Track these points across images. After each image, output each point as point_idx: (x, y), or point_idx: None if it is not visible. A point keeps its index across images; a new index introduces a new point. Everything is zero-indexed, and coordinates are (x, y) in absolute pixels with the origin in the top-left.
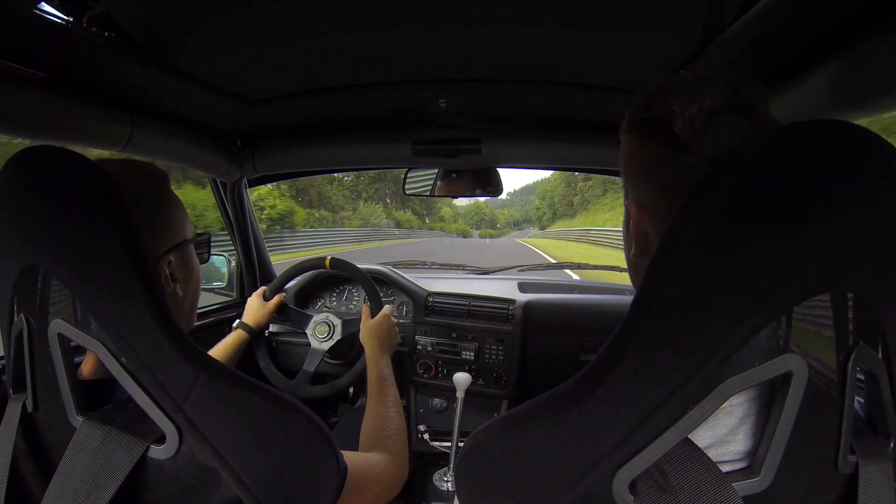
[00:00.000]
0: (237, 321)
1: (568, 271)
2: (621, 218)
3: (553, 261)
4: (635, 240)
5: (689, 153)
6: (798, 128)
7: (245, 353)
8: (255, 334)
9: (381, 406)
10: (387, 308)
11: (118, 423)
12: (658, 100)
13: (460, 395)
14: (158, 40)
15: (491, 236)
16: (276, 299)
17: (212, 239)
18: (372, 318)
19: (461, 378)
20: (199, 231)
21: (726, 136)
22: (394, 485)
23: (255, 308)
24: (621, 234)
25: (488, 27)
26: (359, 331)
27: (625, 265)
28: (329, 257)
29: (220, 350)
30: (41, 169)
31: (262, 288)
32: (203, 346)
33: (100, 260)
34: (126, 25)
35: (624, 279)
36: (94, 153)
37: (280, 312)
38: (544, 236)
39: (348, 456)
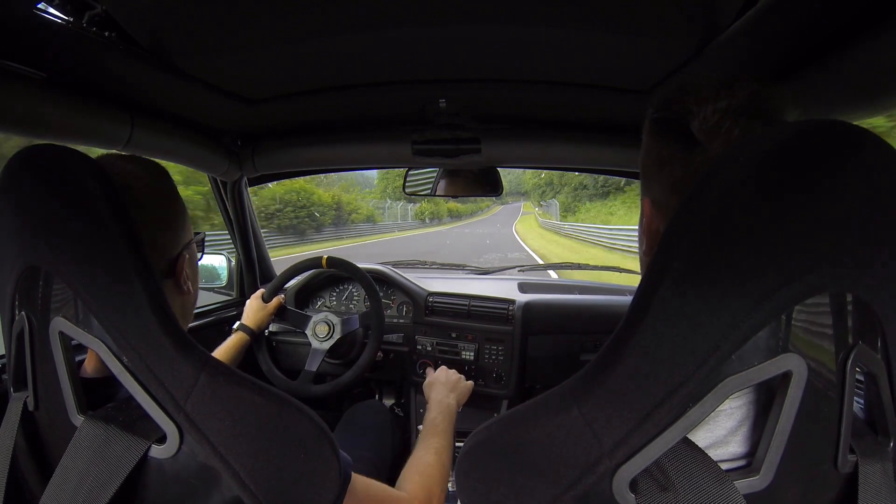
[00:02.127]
0: (237, 323)
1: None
2: None
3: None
4: (647, 237)
5: (703, 151)
6: (798, 127)
7: (246, 355)
8: (256, 336)
9: (423, 451)
10: (443, 368)
11: (119, 423)
12: (677, 99)
13: None
14: (158, 40)
15: (463, 215)
16: (274, 301)
17: (205, 239)
18: (371, 312)
19: None
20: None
21: (739, 136)
22: None
23: (255, 310)
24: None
25: (488, 27)
26: (359, 328)
27: (624, 266)
28: (326, 256)
29: (221, 353)
30: (42, 168)
31: (261, 290)
32: (203, 346)
33: (101, 259)
34: (126, 25)
35: (623, 279)
36: (98, 150)
37: (279, 314)
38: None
39: (368, 483)
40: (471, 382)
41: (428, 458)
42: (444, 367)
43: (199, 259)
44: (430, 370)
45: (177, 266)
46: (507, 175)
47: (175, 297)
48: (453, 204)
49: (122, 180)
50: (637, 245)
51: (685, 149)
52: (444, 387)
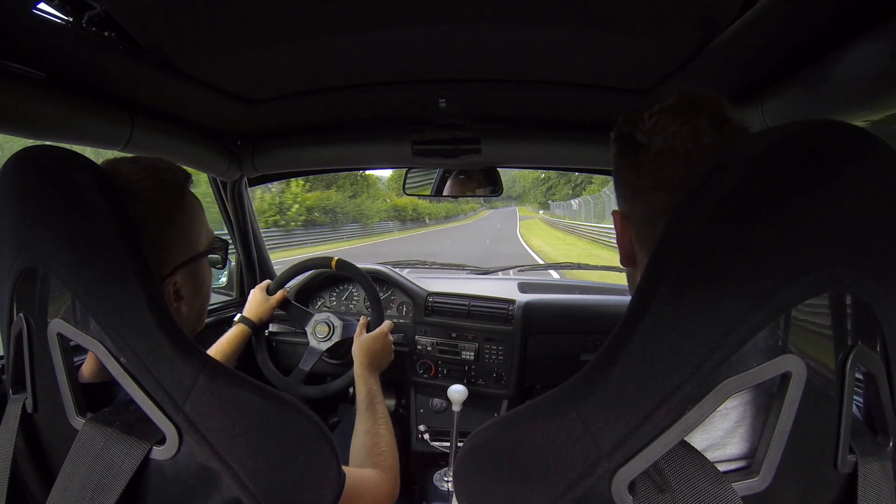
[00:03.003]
0: (238, 315)
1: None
2: None
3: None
4: (620, 247)
5: (646, 152)
6: (797, 127)
7: (246, 350)
8: (257, 329)
9: (372, 423)
10: (386, 325)
11: (119, 426)
12: (631, 117)
13: (457, 408)
14: (158, 40)
15: (427, 218)
16: (279, 294)
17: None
18: (368, 331)
19: (456, 394)
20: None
21: (674, 130)
22: (387, 500)
23: (258, 302)
24: None
25: (488, 27)
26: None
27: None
28: (336, 259)
29: (221, 345)
30: (41, 169)
31: (266, 281)
32: (203, 347)
33: (99, 261)
34: (126, 25)
35: (624, 279)
36: (108, 153)
37: (282, 308)
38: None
39: (350, 473)
40: (391, 349)
41: (379, 429)
42: (372, 336)
43: (221, 269)
44: (363, 320)
45: (162, 286)
46: (510, 170)
47: None
48: (408, 200)
49: (125, 187)
50: None
51: (633, 154)
52: (367, 367)
